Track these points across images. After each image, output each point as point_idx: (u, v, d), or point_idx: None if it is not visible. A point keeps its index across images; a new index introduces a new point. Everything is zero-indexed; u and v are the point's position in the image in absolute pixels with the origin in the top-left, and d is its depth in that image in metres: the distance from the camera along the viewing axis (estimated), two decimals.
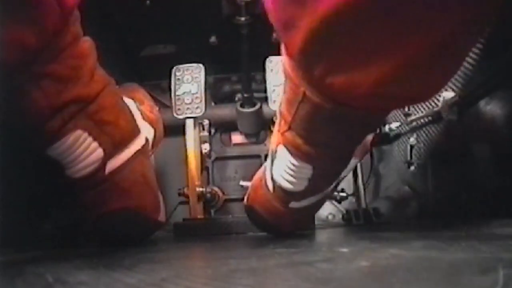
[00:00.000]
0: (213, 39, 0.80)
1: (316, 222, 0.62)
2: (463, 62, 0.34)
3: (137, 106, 0.58)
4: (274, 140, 0.48)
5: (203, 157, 0.75)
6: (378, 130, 0.78)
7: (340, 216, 0.82)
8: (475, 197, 0.57)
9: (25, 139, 0.45)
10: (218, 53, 0.84)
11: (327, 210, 0.85)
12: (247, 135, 0.88)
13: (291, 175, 0.46)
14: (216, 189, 0.84)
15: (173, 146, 0.81)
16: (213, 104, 0.90)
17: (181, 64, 0.73)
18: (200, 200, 0.72)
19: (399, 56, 0.28)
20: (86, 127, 0.43)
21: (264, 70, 0.70)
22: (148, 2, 0.75)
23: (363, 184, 0.76)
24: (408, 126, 0.76)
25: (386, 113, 0.53)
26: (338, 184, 0.54)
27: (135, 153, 0.49)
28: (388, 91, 0.32)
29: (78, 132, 0.43)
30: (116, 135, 0.46)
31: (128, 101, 0.54)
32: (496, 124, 0.52)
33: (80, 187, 0.46)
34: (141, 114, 0.57)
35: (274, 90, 0.69)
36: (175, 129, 0.74)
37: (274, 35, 0.76)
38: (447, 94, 0.58)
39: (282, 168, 0.46)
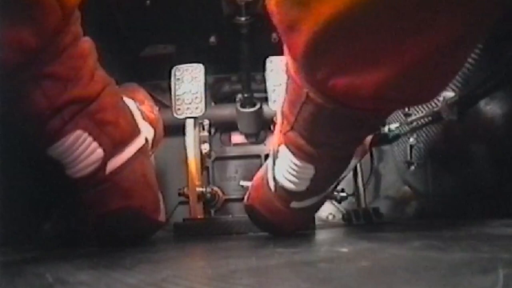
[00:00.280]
0: (213, 39, 0.80)
1: (316, 222, 0.62)
2: (463, 65, 0.34)
3: (137, 106, 0.58)
4: (276, 140, 0.49)
5: (203, 157, 0.75)
6: (377, 131, 0.78)
7: (340, 216, 0.82)
8: (475, 197, 0.57)
9: (25, 139, 0.45)
10: (218, 53, 0.84)
11: (327, 210, 0.85)
12: (247, 135, 0.88)
13: (293, 175, 0.46)
14: (216, 189, 0.84)
15: (173, 146, 0.81)
16: (213, 104, 0.90)
17: (181, 64, 0.73)
18: (200, 200, 0.72)
19: (400, 60, 0.28)
20: (86, 127, 0.43)
21: (264, 70, 0.70)
22: (148, 2, 0.75)
23: (363, 184, 0.76)
24: (408, 126, 0.76)
25: (388, 114, 0.53)
26: (338, 184, 0.55)
27: (135, 153, 0.49)
28: (390, 94, 0.32)
29: (78, 132, 0.43)
30: (116, 135, 0.46)
31: (128, 101, 0.54)
32: (496, 124, 0.52)
33: (80, 187, 0.46)
34: (141, 114, 0.57)
35: (274, 90, 0.69)
36: (175, 129, 0.74)
37: (274, 35, 0.76)
38: (447, 94, 0.58)
39: (284, 168, 0.47)
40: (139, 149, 0.50)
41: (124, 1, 0.77)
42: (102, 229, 0.49)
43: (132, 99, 0.58)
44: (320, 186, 0.49)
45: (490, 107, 0.53)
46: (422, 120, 0.70)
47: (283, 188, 0.48)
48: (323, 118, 0.38)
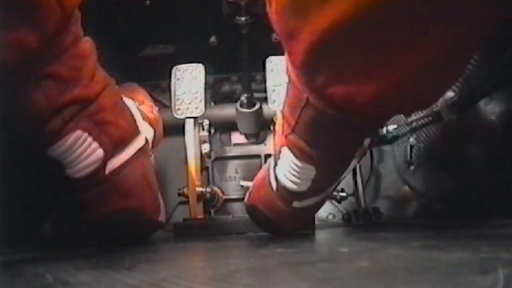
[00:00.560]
0: (213, 39, 0.80)
1: (316, 222, 0.62)
2: (461, 74, 0.34)
3: (137, 106, 0.58)
4: (278, 141, 0.49)
5: (203, 157, 0.75)
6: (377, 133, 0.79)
7: (340, 216, 0.82)
8: (475, 197, 0.57)
9: (25, 140, 0.45)
10: (218, 53, 0.84)
11: (327, 210, 0.85)
12: (247, 135, 0.88)
13: (295, 176, 0.47)
14: (216, 189, 0.84)
15: (173, 146, 0.81)
16: (213, 104, 0.90)
17: (181, 64, 0.73)
18: (200, 200, 0.72)
19: (398, 69, 0.29)
20: (86, 127, 0.43)
21: (264, 70, 0.70)
22: (148, 2, 0.75)
23: (363, 184, 0.76)
24: (408, 126, 0.76)
25: (388, 119, 0.54)
26: (338, 184, 0.55)
27: (135, 153, 0.49)
28: (388, 102, 0.33)
29: (79, 132, 0.43)
30: (116, 135, 0.46)
31: (128, 101, 0.54)
32: (496, 124, 0.52)
33: (80, 187, 0.46)
34: (141, 114, 0.57)
35: (274, 90, 0.69)
36: (175, 129, 0.74)
37: (274, 35, 0.76)
38: (447, 94, 0.58)
39: (286, 169, 0.47)
40: (139, 149, 0.50)
41: (124, 1, 0.77)
42: (102, 229, 0.49)
43: (132, 99, 0.58)
44: (322, 186, 0.49)
45: (490, 107, 0.53)
46: (422, 120, 0.70)
47: (284, 188, 0.49)
48: (323, 122, 0.39)
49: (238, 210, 0.84)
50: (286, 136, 0.45)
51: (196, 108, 0.71)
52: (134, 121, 0.51)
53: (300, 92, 0.38)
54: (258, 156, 0.87)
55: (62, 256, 0.40)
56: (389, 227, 0.61)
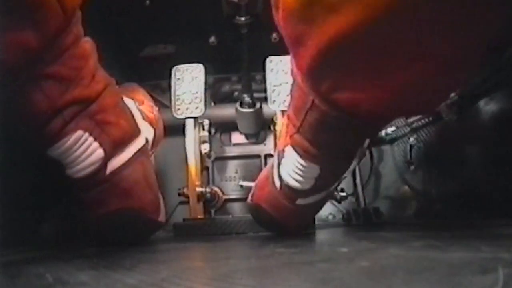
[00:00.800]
0: (213, 39, 0.80)
1: (316, 222, 0.62)
2: (463, 80, 0.35)
3: (137, 106, 0.58)
4: (282, 141, 0.50)
5: (203, 157, 0.75)
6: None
7: (340, 216, 0.82)
8: (475, 197, 0.57)
9: (26, 140, 0.45)
10: (218, 53, 0.84)
11: (327, 210, 0.85)
12: (247, 135, 0.88)
13: (299, 175, 0.47)
14: (216, 189, 0.84)
15: (173, 146, 0.81)
16: (213, 104, 0.90)
17: (181, 64, 0.73)
18: (200, 200, 0.72)
19: (402, 77, 0.30)
20: (87, 127, 0.43)
21: (264, 70, 0.70)
22: (148, 2, 0.75)
23: (362, 185, 0.76)
24: (408, 127, 0.76)
25: (390, 121, 0.55)
26: (340, 182, 0.55)
27: (135, 153, 0.49)
28: (392, 107, 0.34)
29: (79, 132, 0.43)
30: (116, 135, 0.46)
31: (128, 101, 0.54)
32: (496, 124, 0.52)
33: (80, 187, 0.46)
34: (141, 114, 0.57)
35: (274, 90, 0.69)
36: (175, 129, 0.74)
37: (274, 35, 0.76)
38: None
39: (290, 167, 0.48)
40: (139, 149, 0.50)
41: (124, 1, 0.77)
42: (102, 229, 0.49)
43: (132, 99, 0.58)
44: (324, 184, 0.50)
45: (490, 107, 0.53)
46: (422, 120, 0.70)
47: (288, 187, 0.49)
48: (327, 124, 0.40)
49: (238, 210, 0.84)
50: (290, 136, 0.46)
51: (196, 108, 0.71)
52: (134, 121, 0.51)
53: (305, 94, 0.39)
54: (258, 156, 0.87)
55: (62, 256, 0.40)
56: (389, 227, 0.61)
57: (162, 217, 0.55)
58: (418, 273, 0.22)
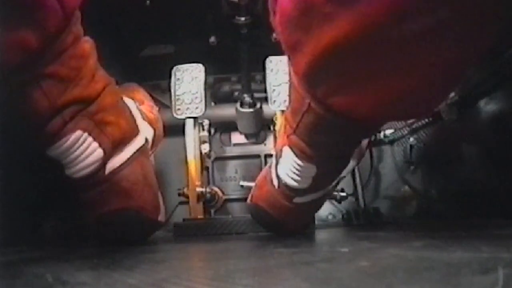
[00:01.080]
0: (213, 39, 0.80)
1: (316, 222, 0.62)
2: (459, 84, 0.36)
3: (137, 106, 0.58)
4: (280, 141, 0.51)
5: (203, 157, 0.75)
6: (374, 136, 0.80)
7: (340, 216, 0.82)
8: (475, 197, 0.57)
9: (25, 139, 0.45)
10: (218, 53, 0.84)
11: (327, 210, 0.85)
12: (247, 135, 0.88)
13: (297, 174, 0.48)
14: (216, 189, 0.84)
15: (173, 146, 0.81)
16: (213, 104, 0.90)
17: (181, 64, 0.73)
18: (200, 200, 0.72)
19: (397, 83, 0.30)
20: (86, 127, 0.43)
21: (264, 70, 0.70)
22: (148, 2, 0.75)
23: (362, 185, 0.76)
24: (409, 127, 0.76)
25: (385, 123, 0.55)
26: (338, 182, 0.55)
27: (135, 153, 0.49)
28: (387, 111, 0.35)
29: (79, 132, 0.43)
30: (116, 135, 0.46)
31: (128, 101, 0.54)
32: (496, 124, 0.52)
33: (80, 187, 0.46)
34: (141, 114, 0.57)
35: (274, 90, 0.69)
36: (175, 129, 0.74)
37: (274, 35, 0.76)
38: None
39: (287, 167, 0.48)
40: (138, 149, 0.50)
41: (124, 1, 0.77)
42: (102, 229, 0.49)
43: (132, 99, 0.58)
44: (322, 183, 0.50)
45: (490, 107, 0.53)
46: (422, 120, 0.70)
47: (286, 185, 0.50)
48: (323, 126, 0.40)
49: (238, 210, 0.84)
50: (288, 137, 0.46)
51: (196, 108, 0.71)
52: (134, 121, 0.51)
53: (302, 98, 0.39)
54: (258, 156, 0.87)
55: (62, 256, 0.40)
56: (389, 227, 0.61)
57: (161, 217, 0.55)
58: (418, 273, 0.22)
